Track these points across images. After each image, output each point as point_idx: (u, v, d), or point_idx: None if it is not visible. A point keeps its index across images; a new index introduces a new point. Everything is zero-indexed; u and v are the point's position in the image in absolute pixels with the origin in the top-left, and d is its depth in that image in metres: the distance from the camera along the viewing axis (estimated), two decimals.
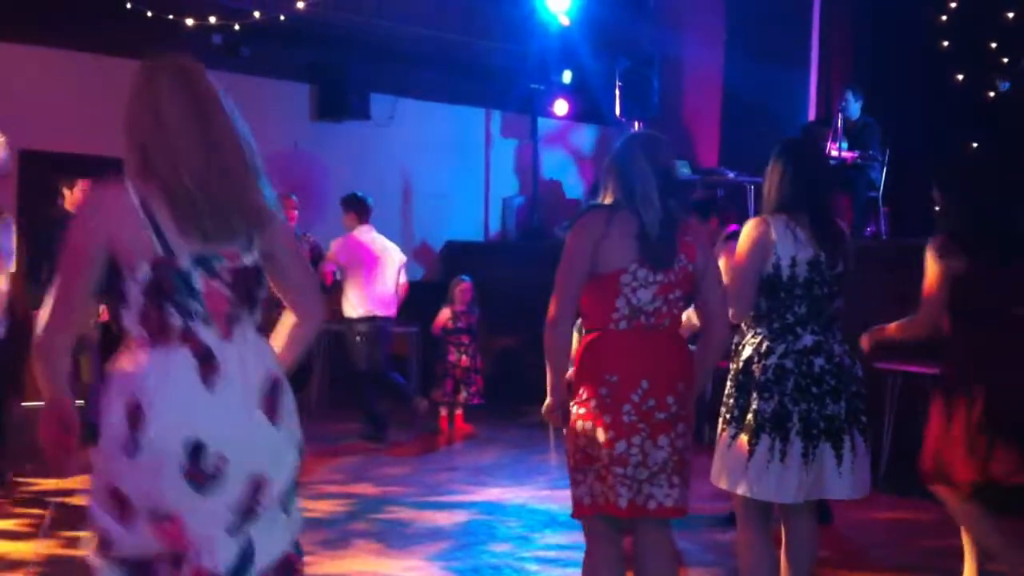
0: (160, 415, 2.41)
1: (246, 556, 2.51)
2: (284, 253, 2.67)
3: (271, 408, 2.54)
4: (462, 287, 9.10)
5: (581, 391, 3.47)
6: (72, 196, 7.38)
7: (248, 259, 2.55)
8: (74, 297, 2.48)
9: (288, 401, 2.60)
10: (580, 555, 5.16)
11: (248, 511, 2.50)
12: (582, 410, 3.45)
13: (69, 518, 5.70)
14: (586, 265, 3.42)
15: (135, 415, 2.42)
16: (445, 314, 9.04)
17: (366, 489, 6.51)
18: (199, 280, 2.46)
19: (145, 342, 2.47)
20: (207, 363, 2.46)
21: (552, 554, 5.21)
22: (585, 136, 13.51)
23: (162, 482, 2.42)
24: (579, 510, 3.51)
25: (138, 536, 2.46)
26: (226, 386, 2.46)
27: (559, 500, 6.33)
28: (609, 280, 3.41)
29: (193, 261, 2.46)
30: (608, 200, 3.49)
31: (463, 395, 8.93)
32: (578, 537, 5.45)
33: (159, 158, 2.49)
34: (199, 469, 2.43)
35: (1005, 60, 9.53)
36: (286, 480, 2.59)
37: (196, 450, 2.42)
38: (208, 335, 2.48)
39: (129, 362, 2.48)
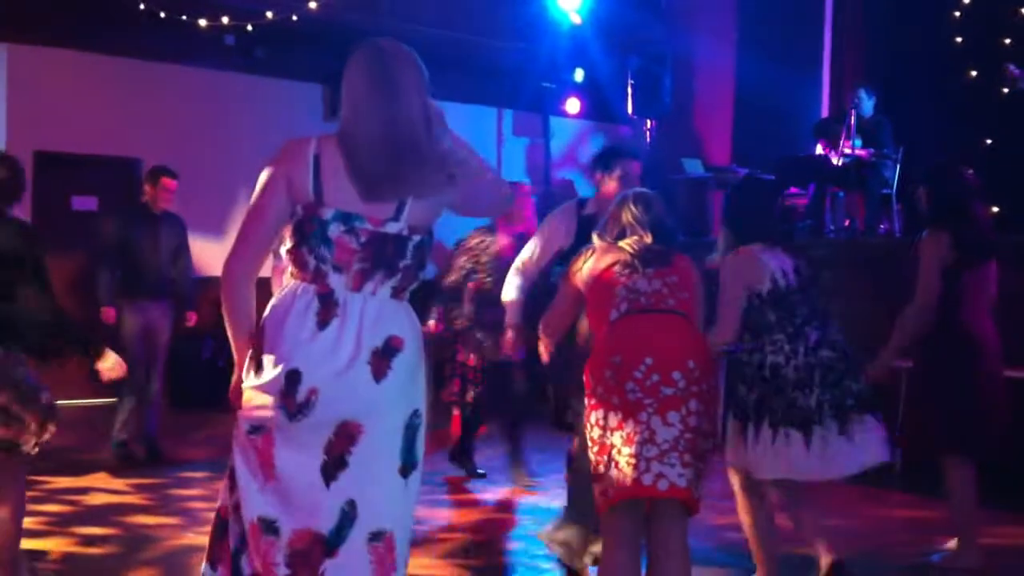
0: (272, 339, 2.67)
1: (347, 517, 2.64)
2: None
3: (379, 366, 2.66)
4: (470, 286, 9.08)
5: (591, 383, 3.54)
6: (153, 191, 7.37)
7: (392, 228, 2.71)
8: (261, 215, 2.72)
9: (405, 367, 2.71)
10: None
11: (339, 457, 2.63)
12: (593, 400, 3.52)
13: (85, 516, 5.74)
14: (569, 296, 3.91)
15: (260, 335, 2.71)
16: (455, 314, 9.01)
17: None
18: (335, 232, 2.67)
19: (293, 274, 2.74)
20: (326, 305, 2.67)
21: None
22: (597, 134, 13.50)
23: (260, 393, 2.66)
24: (603, 503, 3.53)
25: (252, 465, 2.66)
26: (339, 331, 2.65)
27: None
28: (602, 273, 3.68)
29: (336, 214, 2.67)
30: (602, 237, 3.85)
31: (471, 394, 8.92)
32: None
33: (344, 122, 2.74)
34: (292, 396, 2.62)
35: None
36: (387, 439, 2.69)
37: (292, 376, 2.62)
38: (336, 281, 2.69)
39: (279, 291, 2.76)
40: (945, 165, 5.19)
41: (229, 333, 2.78)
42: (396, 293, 2.75)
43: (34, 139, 9.66)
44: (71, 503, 6.02)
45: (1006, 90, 9.79)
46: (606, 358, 3.49)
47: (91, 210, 9.97)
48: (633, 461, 3.37)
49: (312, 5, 9.87)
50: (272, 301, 2.76)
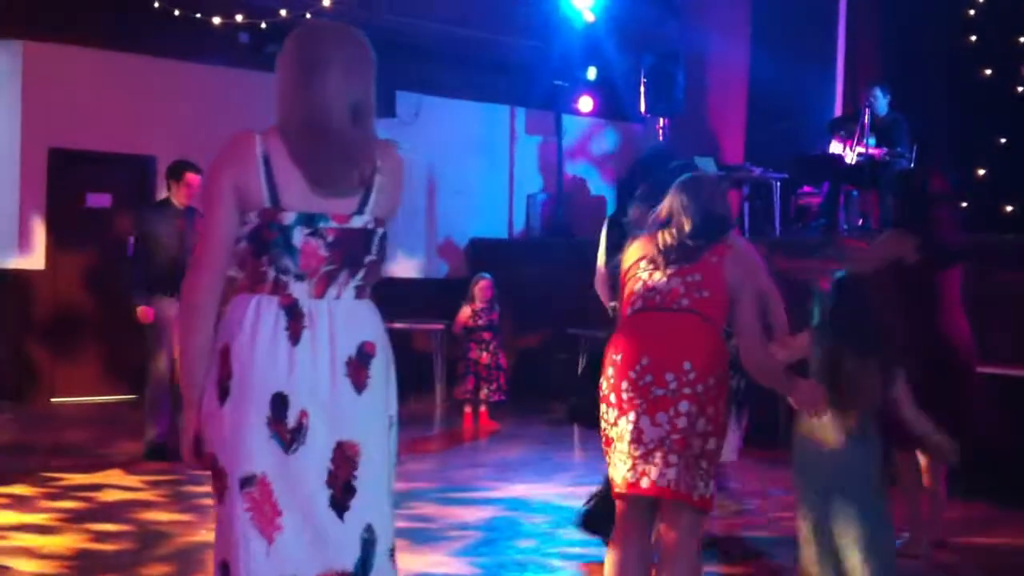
0: (244, 362, 2.44)
1: (369, 544, 2.51)
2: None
3: (358, 376, 2.52)
4: (482, 284, 9.10)
5: (600, 377, 3.63)
6: (176, 187, 7.37)
7: (358, 222, 2.55)
8: (214, 236, 2.50)
9: (380, 371, 2.58)
10: (605, 551, 5.18)
11: (346, 485, 2.47)
12: (600, 394, 3.61)
13: (99, 512, 5.76)
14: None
15: (225, 359, 2.47)
16: (466, 312, 9.05)
17: None
18: (299, 237, 2.47)
19: (243, 286, 2.53)
20: (293, 317, 2.47)
21: (576, 550, 5.21)
22: (610, 133, 13.49)
23: (246, 433, 2.42)
24: (613, 492, 3.64)
25: (232, 520, 2.43)
26: (311, 343, 2.47)
27: (584, 496, 6.32)
28: (630, 270, 3.68)
29: (298, 217, 2.47)
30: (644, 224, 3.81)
31: (484, 392, 8.95)
32: None
33: (281, 112, 2.56)
34: (283, 422, 2.43)
35: None
36: (382, 451, 2.57)
37: (278, 401, 2.43)
38: (299, 290, 2.49)
39: (230, 306, 2.54)
40: (911, 172, 5.34)
41: (182, 371, 2.54)
42: (360, 293, 2.58)
43: (49, 136, 9.71)
44: (85, 499, 6.05)
45: (1020, 89, 9.77)
46: (610, 355, 3.57)
47: (105, 207, 10.02)
48: (625, 459, 3.47)
49: (326, 3, 9.89)
50: (226, 317, 2.52)
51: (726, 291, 3.56)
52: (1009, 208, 9.85)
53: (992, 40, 10.47)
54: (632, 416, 3.43)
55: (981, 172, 10.36)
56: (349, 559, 2.47)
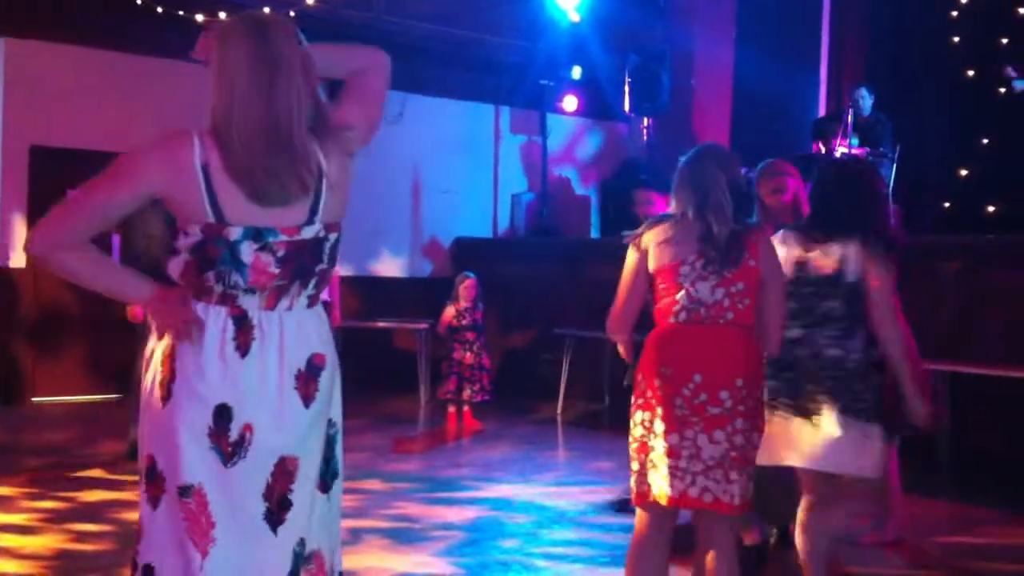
0: (189, 369, 2.37)
1: (299, 558, 2.47)
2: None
3: (307, 390, 2.46)
4: (466, 284, 9.08)
5: (641, 382, 3.56)
6: None
7: (308, 232, 2.43)
8: (91, 213, 2.36)
9: (328, 383, 2.51)
10: (589, 551, 5.19)
11: (282, 499, 2.42)
12: (640, 400, 3.55)
13: (80, 512, 5.73)
14: (642, 272, 3.58)
15: (170, 359, 2.40)
16: (450, 312, 9.03)
17: (375, 485, 6.51)
18: (247, 252, 2.37)
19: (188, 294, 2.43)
20: (242, 328, 2.39)
21: (560, 550, 5.21)
22: (595, 132, 13.50)
23: (185, 443, 2.36)
24: (635, 498, 3.59)
25: (166, 525, 2.40)
26: (260, 355, 2.40)
27: (568, 496, 6.33)
28: (669, 272, 3.51)
29: (245, 232, 2.36)
30: (678, 210, 3.58)
31: (467, 392, 8.92)
32: (587, 533, 5.48)
33: (218, 118, 2.36)
34: (225, 434, 2.36)
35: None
36: (314, 464, 2.50)
37: (221, 412, 2.36)
38: (249, 302, 2.41)
39: None
40: (851, 173, 5.34)
41: (96, 282, 2.44)
42: (311, 302, 2.50)
43: (31, 134, 9.65)
44: (67, 499, 6.01)
45: (1003, 90, 9.80)
46: (658, 366, 3.49)
47: None
48: (679, 473, 3.42)
49: (309, 1, 9.86)
50: None
51: (762, 291, 3.55)
52: (991, 208, 9.89)
53: (975, 41, 10.51)
54: (690, 433, 3.42)
55: (964, 172, 10.40)
56: (280, 574, 2.44)
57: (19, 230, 9.66)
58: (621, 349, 3.83)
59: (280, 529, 2.43)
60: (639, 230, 3.62)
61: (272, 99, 2.34)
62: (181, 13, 9.61)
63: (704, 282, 3.48)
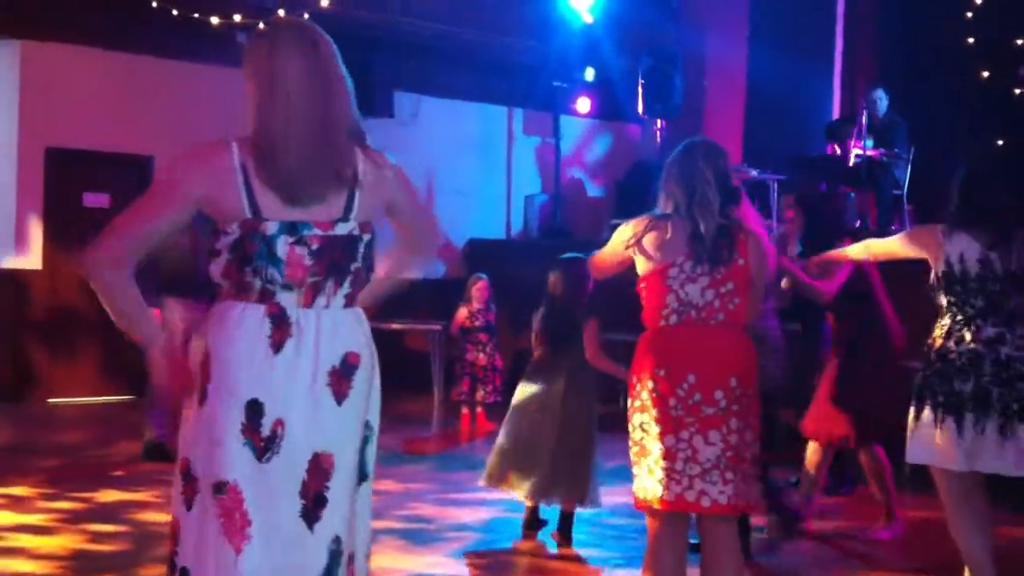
0: (224, 366, 2.42)
1: (335, 556, 2.48)
2: (401, 199, 2.67)
3: (340, 387, 2.48)
4: (479, 285, 9.09)
5: (636, 385, 3.54)
6: None
7: (343, 228, 2.49)
8: (143, 231, 2.46)
9: (363, 383, 2.54)
10: (602, 552, 5.19)
11: (318, 495, 2.45)
12: (636, 403, 3.54)
13: (96, 512, 5.75)
14: (625, 263, 3.64)
15: (205, 362, 2.45)
16: (462, 313, 9.04)
17: (389, 486, 6.51)
18: (283, 246, 2.42)
19: (229, 294, 2.48)
20: (279, 326, 2.44)
21: (574, 552, 5.21)
22: (607, 134, 13.49)
23: (220, 437, 2.40)
24: (636, 504, 3.59)
25: (200, 525, 2.42)
26: (295, 353, 2.44)
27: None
28: (657, 275, 3.50)
29: (281, 226, 2.42)
30: (667, 207, 3.56)
31: (480, 393, 8.93)
32: (601, 535, 5.48)
33: (268, 125, 2.46)
34: (257, 429, 2.40)
35: None
36: (353, 464, 2.53)
37: (253, 408, 2.40)
38: (286, 299, 2.45)
39: (213, 311, 2.51)
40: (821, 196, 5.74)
41: (121, 312, 2.49)
42: (349, 301, 2.54)
43: (46, 136, 9.70)
44: (82, 500, 6.03)
45: (1018, 91, 9.77)
46: (652, 368, 3.48)
47: (103, 207, 9.99)
48: (676, 476, 3.41)
49: (324, 3, 9.88)
50: (210, 323, 2.50)
51: (754, 287, 3.58)
52: None
53: (990, 42, 10.47)
54: (685, 434, 3.41)
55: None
56: (316, 571, 2.45)
57: (35, 232, 9.72)
58: (609, 370, 4.03)
59: (316, 527, 2.45)
60: (639, 230, 3.56)
61: (327, 111, 2.46)
62: (196, 16, 9.65)
63: (693, 284, 3.47)
